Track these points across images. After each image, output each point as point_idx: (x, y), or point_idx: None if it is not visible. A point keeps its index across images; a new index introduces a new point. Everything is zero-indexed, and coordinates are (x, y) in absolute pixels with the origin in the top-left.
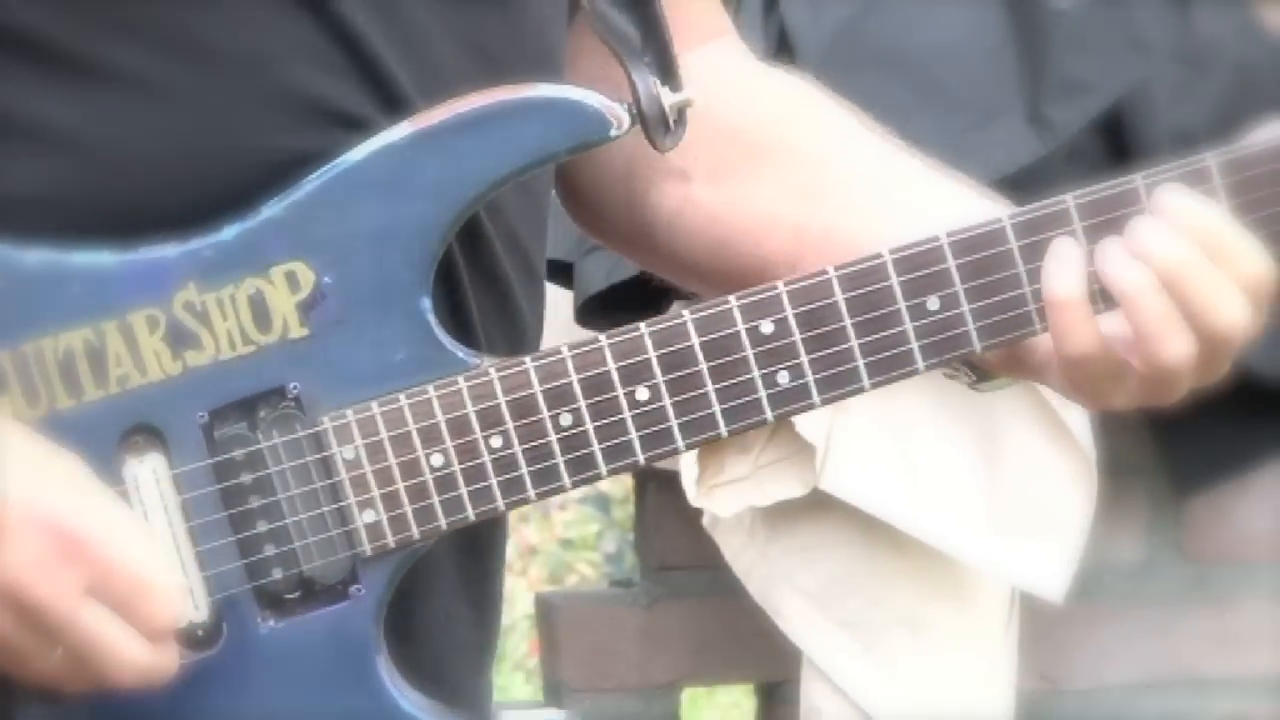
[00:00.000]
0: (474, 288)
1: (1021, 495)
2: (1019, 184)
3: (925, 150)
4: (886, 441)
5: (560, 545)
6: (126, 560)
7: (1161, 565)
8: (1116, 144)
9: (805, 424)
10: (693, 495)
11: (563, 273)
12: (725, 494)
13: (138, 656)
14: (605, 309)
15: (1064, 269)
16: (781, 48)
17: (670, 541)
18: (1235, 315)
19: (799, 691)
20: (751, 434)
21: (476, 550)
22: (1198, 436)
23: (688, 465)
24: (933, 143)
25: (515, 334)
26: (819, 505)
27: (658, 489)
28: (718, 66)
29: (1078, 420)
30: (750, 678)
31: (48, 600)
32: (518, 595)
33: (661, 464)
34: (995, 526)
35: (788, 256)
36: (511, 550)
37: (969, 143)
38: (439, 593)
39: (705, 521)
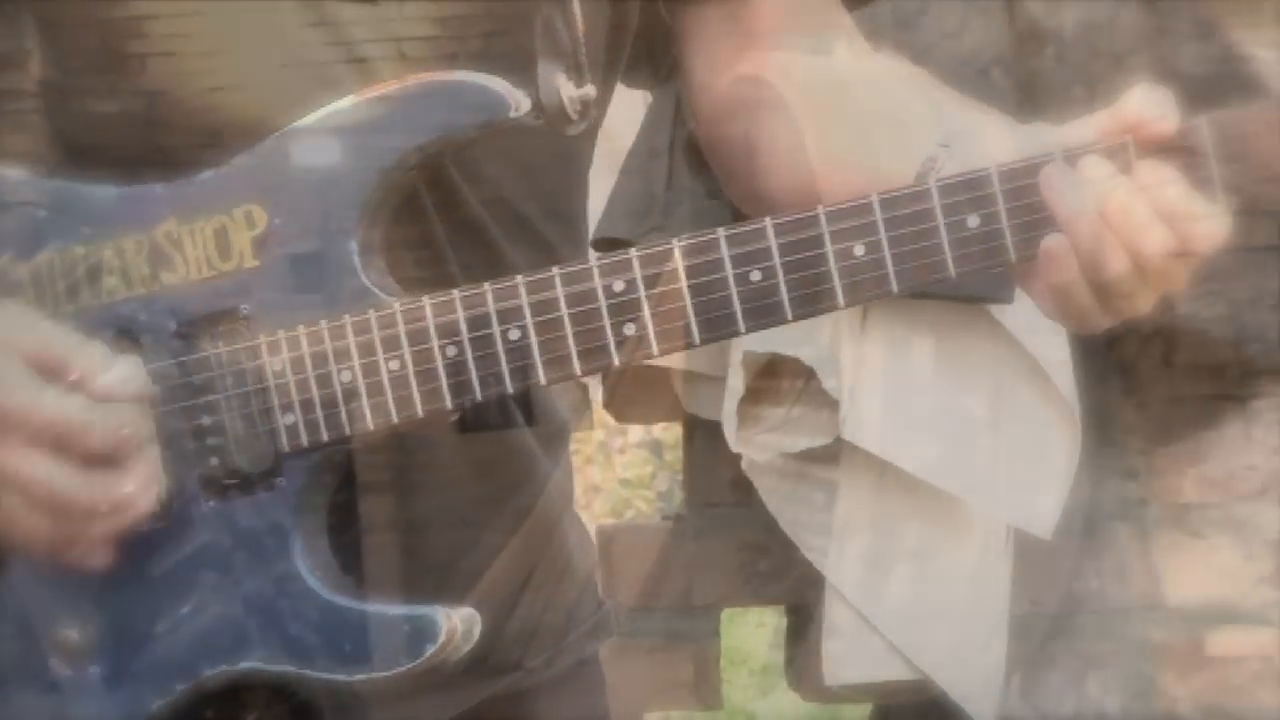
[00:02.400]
0: (447, 231)
1: (1017, 446)
2: None
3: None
4: (899, 398)
5: (620, 484)
6: (51, 415)
7: (1135, 507)
8: None
9: (830, 381)
10: (733, 442)
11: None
12: (761, 441)
13: (79, 489)
14: None
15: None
16: None
17: (714, 482)
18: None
19: (822, 612)
20: (784, 390)
21: (498, 473)
22: (1167, 400)
23: (729, 417)
24: None
25: (496, 273)
26: (841, 452)
27: (704, 436)
28: (804, 60)
29: (1066, 384)
30: (781, 600)
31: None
32: None
33: (707, 415)
34: (993, 473)
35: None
36: (579, 488)
37: None
38: (449, 495)
39: (744, 465)
